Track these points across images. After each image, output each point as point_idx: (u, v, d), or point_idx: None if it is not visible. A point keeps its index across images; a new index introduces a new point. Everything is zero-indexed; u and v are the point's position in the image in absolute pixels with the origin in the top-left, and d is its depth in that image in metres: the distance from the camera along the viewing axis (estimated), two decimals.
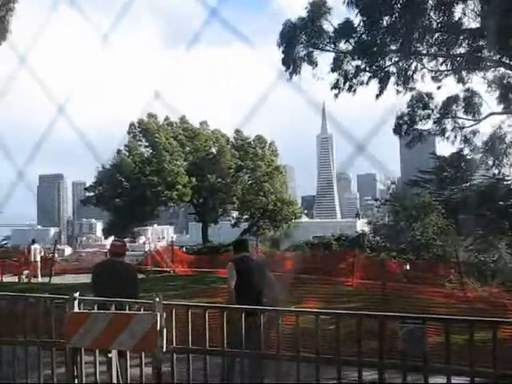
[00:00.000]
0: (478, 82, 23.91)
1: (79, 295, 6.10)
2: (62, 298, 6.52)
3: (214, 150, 46.22)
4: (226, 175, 44.48)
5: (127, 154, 45.55)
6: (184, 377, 5.99)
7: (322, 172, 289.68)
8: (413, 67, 23.23)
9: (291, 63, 23.10)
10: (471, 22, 20.88)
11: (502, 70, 22.76)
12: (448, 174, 36.68)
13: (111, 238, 55.20)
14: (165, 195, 43.01)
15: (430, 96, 24.43)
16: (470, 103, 24.19)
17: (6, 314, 6.98)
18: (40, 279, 23.05)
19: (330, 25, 22.93)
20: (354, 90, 23.48)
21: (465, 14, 20.75)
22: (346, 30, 22.42)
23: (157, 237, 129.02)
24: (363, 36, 22.07)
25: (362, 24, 21.93)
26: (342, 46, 23.06)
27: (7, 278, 23.76)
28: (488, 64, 22.44)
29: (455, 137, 25.56)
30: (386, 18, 20.98)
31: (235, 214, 50.25)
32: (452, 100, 24.55)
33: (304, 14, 22.86)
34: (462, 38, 21.23)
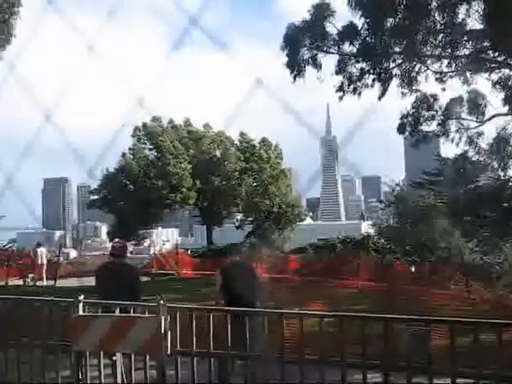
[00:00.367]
0: (482, 83, 23.89)
1: (84, 298, 6.12)
2: (66, 301, 6.53)
3: (218, 153, 46.20)
4: (231, 178, 44.45)
5: (132, 157, 45.61)
6: (188, 380, 5.99)
7: (327, 174, 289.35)
8: (416, 69, 23.18)
9: (295, 66, 23.09)
10: (475, 23, 20.84)
11: (507, 71, 22.71)
12: (453, 176, 36.60)
13: None
14: (169, 198, 43.01)
15: (434, 97, 24.39)
16: (475, 104, 24.14)
17: (11, 316, 7.00)
18: (45, 282, 23.08)
19: (333, 27, 22.90)
20: (359, 93, 23.44)
21: (469, 15, 20.68)
22: (349, 32, 22.38)
23: (161, 240, 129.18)
24: (367, 38, 22.04)
25: (365, 26, 21.90)
26: (346, 48, 23.02)
27: (12, 281, 23.80)
28: (492, 65, 22.39)
29: (460, 138, 25.52)
30: (390, 19, 20.94)
31: (239, 216, 50.21)
32: (456, 101, 24.50)
33: (307, 16, 22.86)
34: (466, 39, 21.19)
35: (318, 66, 23.29)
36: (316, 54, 23.18)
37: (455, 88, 24.37)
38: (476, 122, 25.17)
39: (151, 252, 49.59)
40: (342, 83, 23.39)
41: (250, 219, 48.86)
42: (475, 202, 26.11)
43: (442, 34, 21.45)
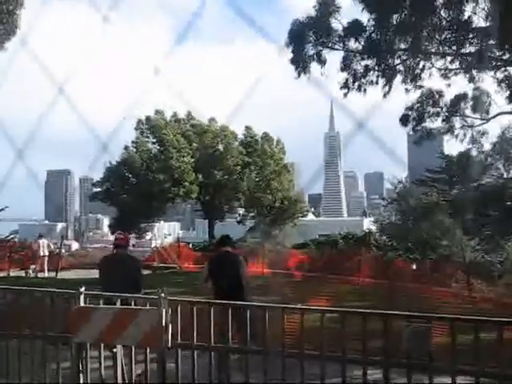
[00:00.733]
0: (487, 81, 23.84)
1: (85, 290, 6.13)
2: (68, 292, 6.54)
3: (221, 147, 46.16)
4: (233, 172, 44.42)
5: (135, 150, 45.61)
6: (188, 373, 6.00)
7: (329, 170, 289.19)
8: (421, 65, 23.13)
9: (300, 62, 23.04)
10: (481, 21, 20.77)
11: None
12: (455, 174, 36.56)
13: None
14: (171, 192, 43.01)
15: (440, 93, 24.34)
16: (479, 102, 24.10)
17: (12, 307, 7.01)
18: (47, 274, 23.14)
19: (338, 23, 22.84)
20: (364, 90, 23.39)
21: (475, 13, 20.63)
22: (355, 28, 22.32)
23: (163, 233, 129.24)
24: (372, 35, 21.98)
25: (371, 22, 21.84)
26: (352, 44, 22.97)
27: (14, 273, 23.86)
28: (498, 63, 22.33)
29: (464, 135, 25.48)
30: (395, 16, 20.89)
31: (241, 211, 50.24)
32: (460, 98, 24.46)
33: (313, 12, 22.79)
34: (471, 36, 21.13)
35: (322, 62, 23.23)
36: (321, 51, 23.13)
37: (460, 85, 24.37)
38: (480, 119, 25.14)
39: (153, 245, 49.66)
40: (347, 80, 23.36)
41: (251, 214, 48.91)
42: (478, 200, 26.10)
43: (447, 32, 21.40)
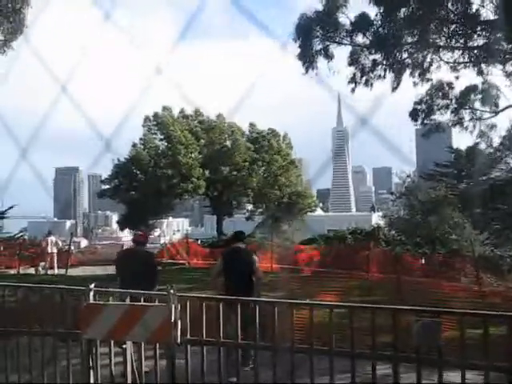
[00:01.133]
0: (496, 74, 23.70)
1: (95, 287, 6.16)
2: (77, 289, 6.58)
3: (228, 143, 46.20)
4: (241, 168, 44.46)
5: (142, 147, 45.72)
6: (198, 368, 6.02)
7: (337, 165, 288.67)
8: (429, 59, 23.03)
9: (307, 57, 22.97)
10: (489, 14, 20.64)
11: None
12: (464, 168, 36.41)
13: (126, 231, 55.57)
14: (180, 187, 43.09)
15: (450, 85, 24.23)
16: (488, 95, 23.98)
17: (22, 304, 7.06)
18: (56, 271, 23.25)
19: (346, 18, 22.74)
20: (371, 84, 23.31)
21: (483, 6, 20.50)
22: (362, 23, 22.21)
23: (172, 229, 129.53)
24: (380, 29, 21.88)
25: (378, 17, 21.74)
26: (359, 39, 22.87)
27: (24, 270, 23.99)
28: (506, 56, 22.19)
29: (474, 127, 25.36)
30: (403, 9, 20.78)
31: (250, 207, 50.30)
32: (469, 90, 24.35)
33: (320, 7, 22.71)
34: (479, 29, 21.00)
35: (329, 57, 23.15)
36: (328, 45, 23.04)
37: (468, 78, 24.25)
38: (489, 112, 25.02)
39: (161, 242, 49.76)
40: (354, 74, 23.29)
41: (260, 210, 48.96)
42: (487, 194, 25.98)
43: (455, 25, 21.28)
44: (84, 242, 67.02)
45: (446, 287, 14.79)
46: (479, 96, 24.47)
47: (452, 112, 24.72)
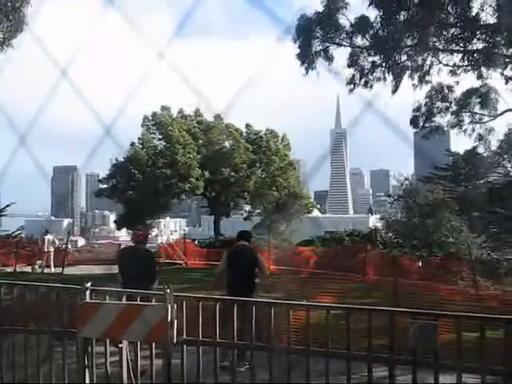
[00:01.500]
0: (495, 77, 23.73)
1: (91, 286, 6.14)
2: (74, 288, 6.56)
3: (227, 144, 46.20)
4: (240, 169, 44.46)
5: (141, 146, 45.70)
6: (193, 368, 6.01)
7: (335, 167, 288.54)
8: (428, 62, 23.06)
9: (307, 57, 22.99)
10: (489, 18, 20.67)
11: None
12: (462, 171, 36.42)
13: (124, 230, 55.54)
14: (177, 187, 43.09)
15: (449, 88, 24.24)
16: (487, 99, 23.99)
17: (19, 302, 7.04)
18: (53, 269, 23.19)
19: (346, 20, 22.76)
20: (371, 86, 23.35)
21: (482, 10, 20.54)
22: (362, 25, 22.25)
23: (169, 229, 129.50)
24: (379, 31, 21.91)
25: (378, 19, 21.78)
26: (359, 41, 22.91)
27: (20, 268, 23.95)
28: (506, 60, 22.22)
29: (472, 130, 25.38)
30: (403, 12, 20.82)
31: (247, 207, 50.30)
32: (469, 93, 24.36)
33: (320, 8, 22.73)
34: (479, 33, 21.03)
35: (329, 58, 23.17)
36: (328, 47, 23.06)
37: (468, 82, 24.27)
38: (488, 116, 25.04)
39: (159, 241, 49.71)
40: (354, 76, 23.31)
41: (257, 211, 48.96)
42: (484, 197, 26.00)
43: (454, 28, 21.32)
44: (81, 241, 66.86)
45: (443, 290, 14.79)
46: (478, 99, 24.48)
47: (452, 114, 24.74)
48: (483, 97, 23.92)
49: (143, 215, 44.72)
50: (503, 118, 24.92)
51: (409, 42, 21.84)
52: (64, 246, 25.67)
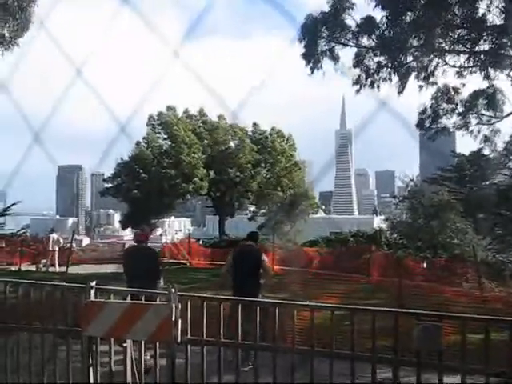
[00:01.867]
0: (502, 79, 23.65)
1: (96, 284, 6.15)
2: (78, 286, 6.57)
3: (232, 144, 46.21)
4: (245, 169, 44.45)
5: (146, 146, 45.77)
6: (198, 368, 6.01)
7: (340, 167, 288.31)
8: (434, 63, 23.01)
9: (312, 57, 22.98)
10: (495, 19, 20.60)
11: None
12: (467, 173, 36.39)
13: (128, 230, 55.57)
14: (182, 187, 43.13)
15: (455, 90, 24.17)
16: (493, 100, 23.92)
17: (23, 301, 7.05)
18: (57, 268, 23.27)
19: (352, 20, 22.74)
20: (377, 86, 23.32)
21: (489, 11, 20.48)
22: (368, 25, 22.24)
23: (174, 229, 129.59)
24: (385, 32, 21.88)
25: (384, 20, 21.76)
26: (365, 41, 22.88)
27: (25, 267, 24.02)
28: None
29: (479, 132, 25.30)
30: (409, 13, 20.79)
31: (252, 208, 50.30)
32: (475, 96, 24.29)
33: (326, 8, 22.71)
34: (485, 34, 20.97)
35: (335, 58, 23.15)
36: (333, 47, 23.05)
37: (474, 83, 24.20)
38: (494, 117, 24.96)
39: (163, 241, 49.74)
40: (359, 76, 23.29)
41: (262, 211, 48.95)
42: (489, 199, 25.94)
43: (461, 29, 21.27)
44: (86, 240, 67.00)
45: (448, 292, 14.77)
46: (485, 101, 24.40)
47: (459, 115, 24.65)
48: (490, 98, 23.84)
49: (148, 214, 44.80)
50: (509, 120, 24.83)
51: (415, 43, 21.80)
52: (69, 244, 25.73)
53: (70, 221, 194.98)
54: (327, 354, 5.70)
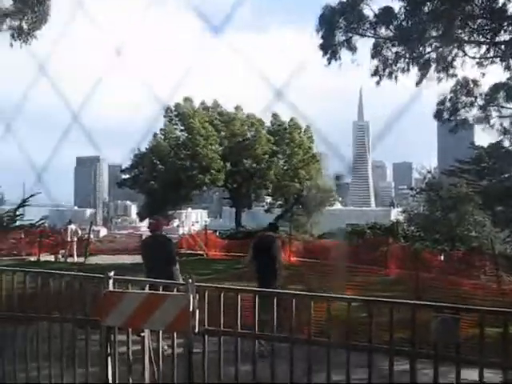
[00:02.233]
0: None
1: (114, 275, 6.20)
2: (97, 277, 6.63)
3: (249, 135, 46.09)
4: (261, 161, 44.39)
5: (163, 137, 45.87)
6: (215, 358, 6.04)
7: (358, 160, 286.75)
8: (453, 54, 22.77)
9: (330, 48, 22.85)
10: None
11: None
12: (486, 165, 36.04)
13: (146, 221, 55.83)
14: (199, 179, 43.17)
15: (475, 82, 23.92)
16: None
17: (43, 291, 7.12)
18: (75, 259, 23.48)
19: (370, 10, 22.55)
20: (395, 77, 23.13)
21: (509, 0, 20.21)
22: (386, 15, 22.04)
23: (190, 220, 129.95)
24: (403, 22, 21.68)
25: (402, 10, 21.56)
26: (383, 32, 22.68)
27: (44, 257, 24.26)
28: None
29: (500, 124, 25.04)
30: (428, 3, 20.58)
31: (269, 199, 50.22)
32: (495, 89, 24.03)
33: None
34: (505, 24, 20.70)
35: (353, 48, 23.00)
36: (351, 37, 22.88)
37: (494, 74, 23.95)
38: None
39: (180, 232, 49.92)
40: (377, 67, 23.12)
41: (279, 203, 48.87)
42: (508, 192, 25.71)
43: (480, 20, 21.01)
44: (103, 231, 67.43)
45: (466, 284, 14.67)
46: (503, 94, 24.15)
47: (480, 108, 24.41)
48: (510, 90, 23.58)
49: (165, 206, 44.94)
50: None
51: (433, 34, 21.57)
52: (86, 235, 25.94)
53: (88, 212, 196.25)
54: (344, 345, 5.70)
